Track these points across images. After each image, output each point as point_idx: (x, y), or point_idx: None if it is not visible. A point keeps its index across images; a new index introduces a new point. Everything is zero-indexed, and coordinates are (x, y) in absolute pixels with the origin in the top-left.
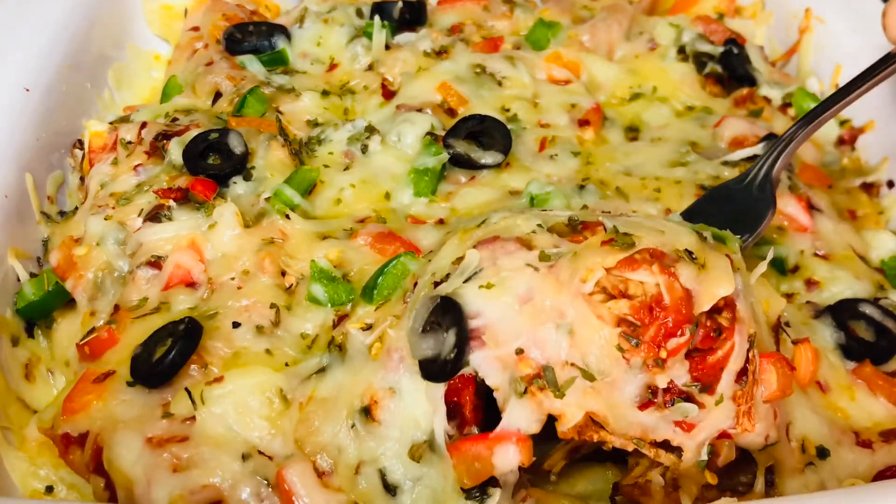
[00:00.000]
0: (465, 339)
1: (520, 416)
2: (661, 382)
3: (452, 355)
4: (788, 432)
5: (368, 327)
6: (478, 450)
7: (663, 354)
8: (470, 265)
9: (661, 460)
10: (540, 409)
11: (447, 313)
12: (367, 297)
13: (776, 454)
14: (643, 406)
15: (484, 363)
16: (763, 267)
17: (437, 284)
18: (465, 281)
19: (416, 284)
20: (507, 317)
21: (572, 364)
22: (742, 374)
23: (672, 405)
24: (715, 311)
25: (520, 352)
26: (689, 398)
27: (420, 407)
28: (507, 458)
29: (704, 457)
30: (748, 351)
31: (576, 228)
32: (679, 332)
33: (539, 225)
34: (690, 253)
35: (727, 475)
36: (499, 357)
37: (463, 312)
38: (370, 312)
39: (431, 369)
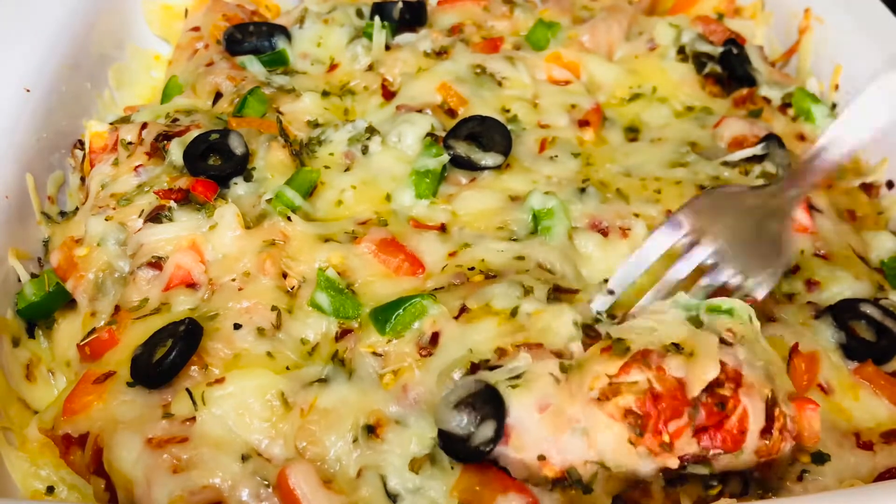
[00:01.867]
0: (500, 435)
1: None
2: (673, 464)
3: (487, 449)
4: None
5: (379, 355)
6: (489, 480)
7: (666, 438)
8: (518, 368)
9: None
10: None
11: (488, 403)
12: (378, 324)
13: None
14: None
15: (507, 459)
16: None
17: (474, 366)
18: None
19: (435, 334)
20: (529, 421)
21: (592, 462)
22: (766, 431)
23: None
24: (717, 384)
25: (542, 458)
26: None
27: (424, 434)
28: None
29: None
30: (771, 409)
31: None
32: (678, 416)
33: (574, 322)
34: (677, 346)
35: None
36: (522, 460)
37: (505, 409)
38: (382, 342)
39: (456, 447)
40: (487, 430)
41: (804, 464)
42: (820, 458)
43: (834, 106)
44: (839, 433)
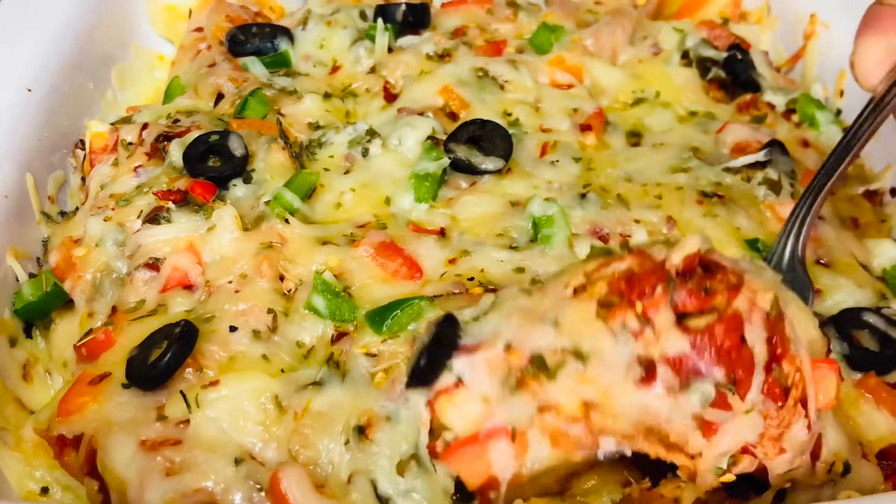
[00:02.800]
0: (450, 343)
1: (514, 410)
2: (655, 352)
3: (424, 360)
4: (820, 453)
5: (373, 355)
6: (472, 451)
7: (639, 309)
8: (484, 305)
9: (673, 460)
10: (534, 399)
11: (441, 323)
12: (375, 325)
13: (795, 475)
14: (643, 382)
15: (469, 369)
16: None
17: None
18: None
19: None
20: (497, 327)
21: (562, 349)
22: (778, 389)
23: (688, 388)
24: (710, 276)
25: (508, 347)
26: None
27: (410, 429)
28: (502, 453)
29: (723, 465)
30: (774, 326)
31: None
32: (652, 289)
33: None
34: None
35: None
36: (487, 360)
37: (457, 321)
38: (377, 342)
39: (411, 374)
40: (426, 338)
41: (835, 475)
42: (847, 468)
43: (839, 112)
44: (854, 443)
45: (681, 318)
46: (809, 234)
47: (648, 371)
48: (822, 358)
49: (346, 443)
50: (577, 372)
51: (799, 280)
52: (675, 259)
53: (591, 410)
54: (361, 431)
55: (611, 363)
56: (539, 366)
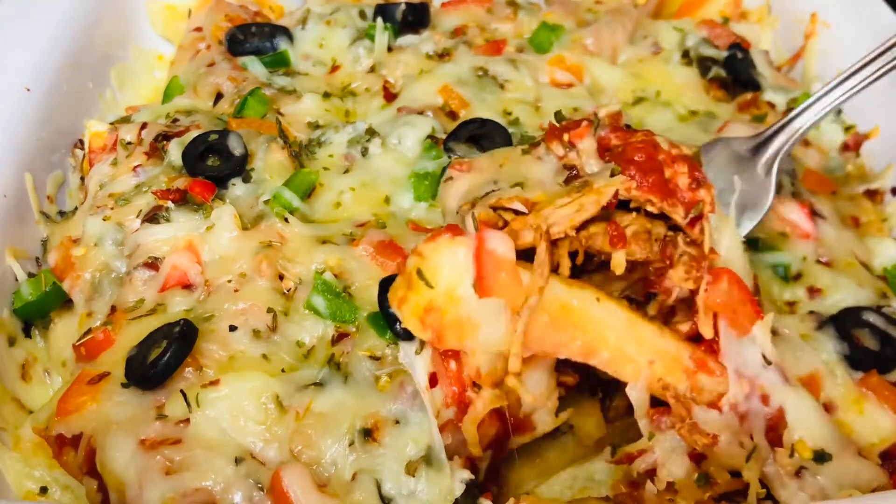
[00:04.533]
0: None
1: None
2: (576, 161)
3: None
4: (782, 438)
5: (377, 359)
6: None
7: (565, 138)
8: None
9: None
10: (485, 205)
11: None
12: (378, 328)
13: (762, 468)
14: (568, 181)
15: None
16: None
17: None
18: None
19: None
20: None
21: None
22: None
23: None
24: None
25: (458, 210)
26: None
27: (420, 431)
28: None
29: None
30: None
31: None
32: (578, 125)
33: None
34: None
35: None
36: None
37: None
38: (381, 346)
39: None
40: None
41: (805, 461)
42: (821, 457)
43: (839, 112)
44: (843, 437)
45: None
46: (795, 144)
47: (573, 173)
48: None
49: (351, 444)
50: (516, 190)
51: (759, 183)
52: (602, 112)
53: (533, 206)
54: (368, 434)
55: (541, 178)
56: (483, 197)
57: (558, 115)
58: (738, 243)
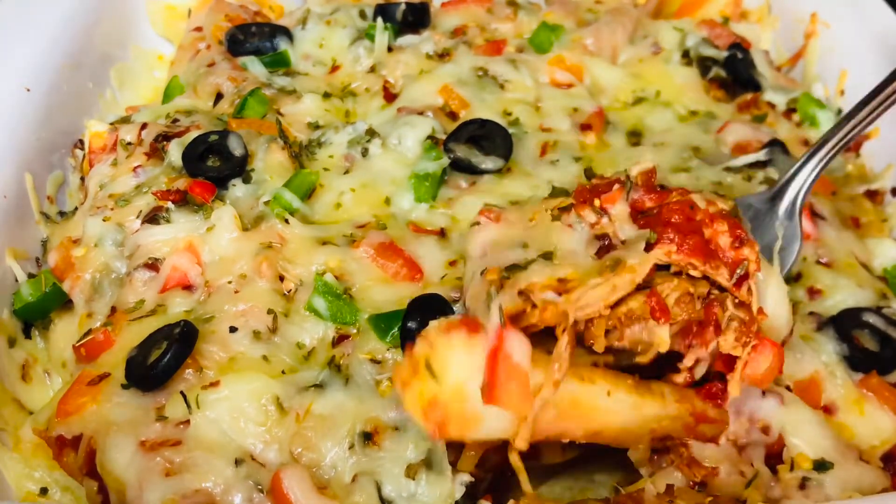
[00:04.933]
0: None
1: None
2: (609, 227)
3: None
4: (782, 456)
5: (378, 362)
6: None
7: (597, 204)
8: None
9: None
10: (513, 289)
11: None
12: (379, 332)
13: (765, 493)
14: (600, 252)
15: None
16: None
17: None
18: None
19: None
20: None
21: (532, 258)
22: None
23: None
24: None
25: (483, 271)
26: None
27: (420, 437)
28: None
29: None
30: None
31: None
32: (610, 187)
33: None
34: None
35: None
36: (470, 296)
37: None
38: (382, 349)
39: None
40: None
41: (806, 471)
42: (822, 466)
43: (839, 111)
44: (843, 444)
45: (639, 215)
46: (812, 186)
47: (606, 243)
48: (784, 337)
49: (351, 447)
50: (546, 265)
51: (790, 230)
52: (634, 171)
53: (564, 285)
54: (368, 437)
55: (572, 248)
56: (511, 269)
57: (588, 173)
58: (784, 294)
